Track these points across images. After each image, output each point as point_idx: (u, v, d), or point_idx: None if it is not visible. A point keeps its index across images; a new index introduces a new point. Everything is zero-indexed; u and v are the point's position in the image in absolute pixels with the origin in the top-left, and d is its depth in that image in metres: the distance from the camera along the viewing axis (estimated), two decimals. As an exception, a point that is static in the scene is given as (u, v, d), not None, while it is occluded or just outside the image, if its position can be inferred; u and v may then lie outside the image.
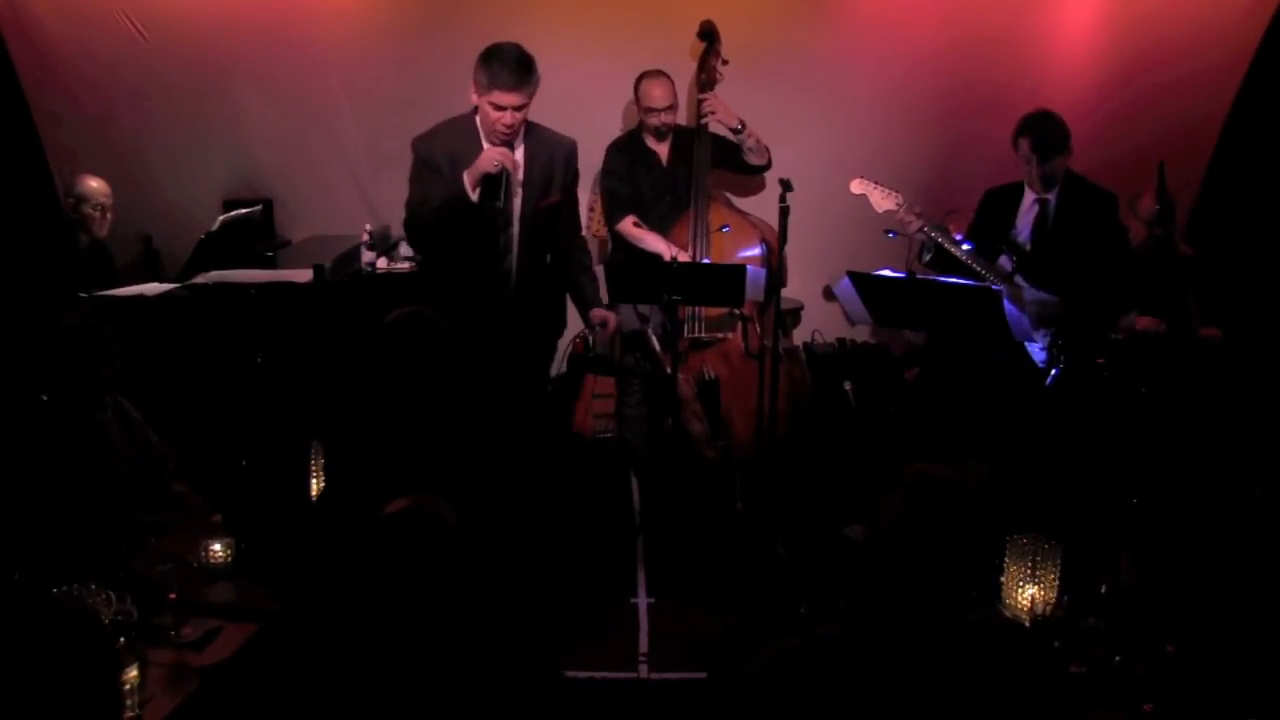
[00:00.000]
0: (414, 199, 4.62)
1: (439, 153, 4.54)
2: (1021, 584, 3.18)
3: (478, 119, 4.55)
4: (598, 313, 4.92)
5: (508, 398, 4.51)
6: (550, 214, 4.69)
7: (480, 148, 4.49)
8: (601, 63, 6.05)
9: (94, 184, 5.65)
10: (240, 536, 3.52)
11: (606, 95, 6.06)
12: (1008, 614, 3.19)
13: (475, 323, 4.36)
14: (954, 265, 4.85)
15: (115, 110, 6.26)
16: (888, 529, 2.34)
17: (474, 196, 4.43)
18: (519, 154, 4.57)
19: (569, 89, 6.02)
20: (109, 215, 5.68)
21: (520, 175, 4.56)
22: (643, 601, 4.65)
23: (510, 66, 4.38)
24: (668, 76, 5.49)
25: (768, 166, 5.59)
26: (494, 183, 4.43)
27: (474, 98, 4.49)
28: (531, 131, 4.61)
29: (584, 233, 6.05)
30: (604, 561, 4.90)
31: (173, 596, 3.15)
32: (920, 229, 4.85)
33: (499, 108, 4.41)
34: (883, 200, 4.97)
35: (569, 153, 4.73)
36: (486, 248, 4.58)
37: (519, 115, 4.45)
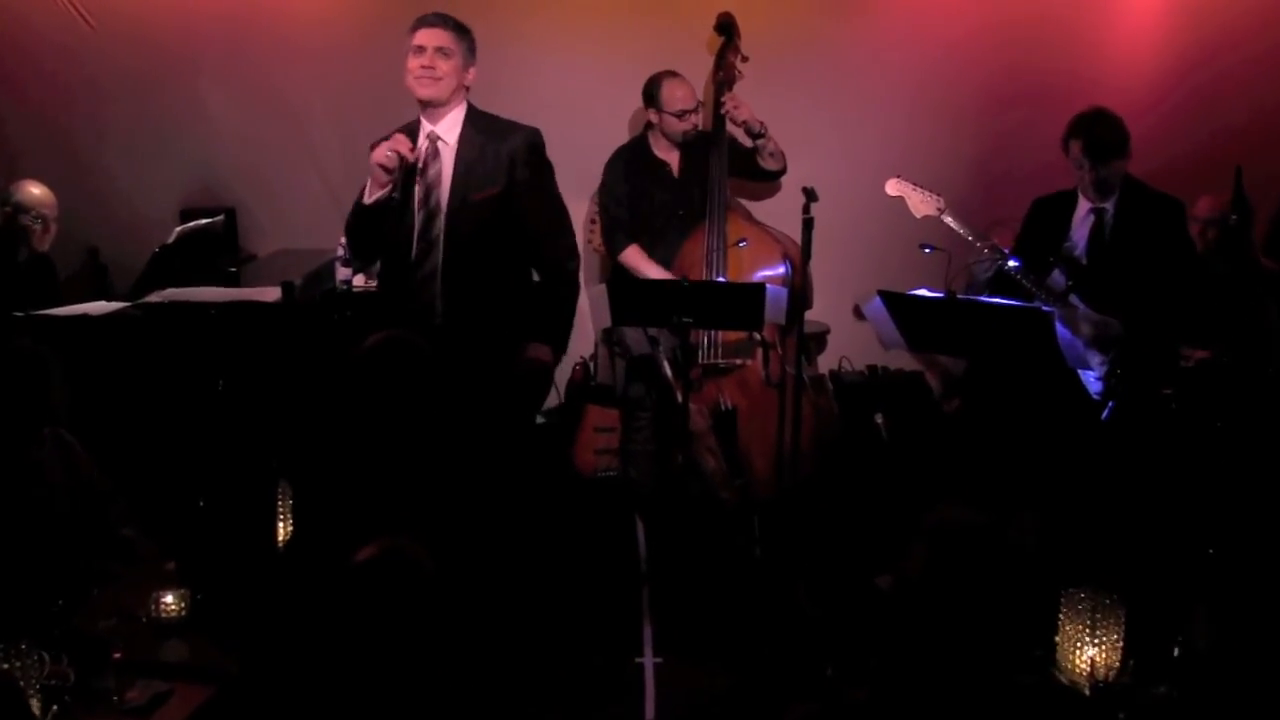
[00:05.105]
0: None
1: None
2: (1079, 645, 3.14)
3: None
4: (529, 350, 4.62)
5: (493, 431, 4.46)
6: (489, 208, 4.52)
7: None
8: (607, 62, 6.07)
9: (36, 192, 5.62)
10: (196, 587, 3.48)
11: (613, 97, 6.06)
12: (1064, 679, 3.16)
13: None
14: (1007, 284, 4.82)
15: (58, 107, 6.27)
16: (914, 582, 2.32)
17: (367, 199, 4.42)
18: (452, 138, 4.53)
19: (571, 90, 6.04)
20: (52, 228, 5.67)
21: (440, 165, 4.52)
22: (649, 661, 4.59)
23: (433, 13, 4.52)
24: (683, 76, 5.54)
25: (783, 171, 5.62)
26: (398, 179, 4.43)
27: (405, 76, 4.52)
28: (476, 118, 4.57)
29: (586, 246, 6.07)
30: (606, 615, 4.86)
31: (117, 656, 3.11)
32: (993, 265, 4.83)
33: (419, 50, 4.47)
34: (922, 204, 4.94)
35: (523, 143, 4.58)
36: (399, 252, 4.55)
37: (442, 62, 4.47)
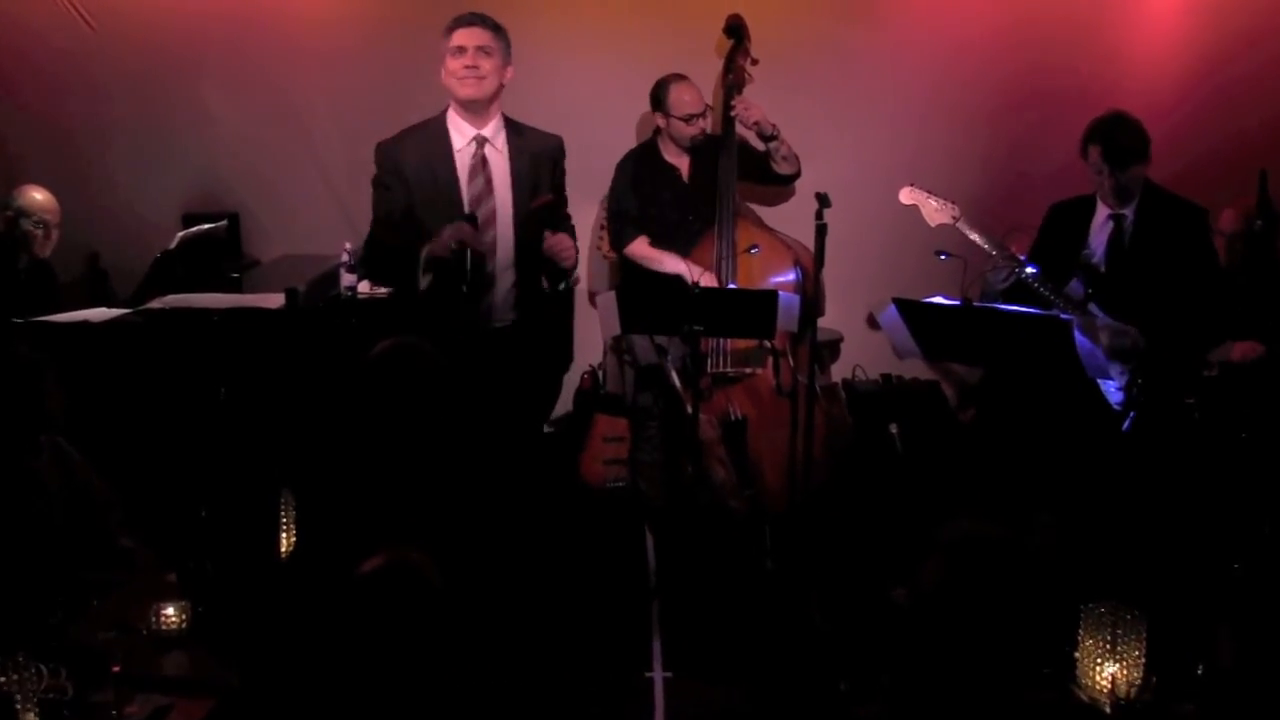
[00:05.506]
0: (376, 216, 4.73)
1: (406, 159, 4.64)
2: (1099, 661, 3.11)
3: (448, 114, 4.67)
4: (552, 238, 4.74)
5: (504, 439, 4.46)
6: (542, 214, 4.72)
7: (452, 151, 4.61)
8: (615, 65, 6.07)
9: (39, 197, 5.63)
10: (197, 599, 3.47)
11: (621, 101, 6.05)
12: (1083, 696, 3.12)
13: (468, 350, 4.33)
14: (1024, 293, 4.80)
15: (58, 110, 6.26)
16: (929, 597, 2.32)
17: (421, 283, 4.49)
18: (499, 142, 4.66)
19: (579, 94, 6.03)
20: (54, 234, 5.68)
21: (489, 171, 4.64)
22: (658, 675, 4.58)
23: (469, 13, 4.60)
24: (690, 80, 5.53)
25: (797, 175, 5.60)
26: (449, 265, 4.44)
27: (444, 77, 4.61)
28: (515, 128, 4.73)
29: (595, 253, 6.06)
30: (614, 629, 4.85)
31: (116, 669, 3.10)
32: (1010, 274, 4.80)
33: (460, 50, 4.55)
34: (936, 213, 4.93)
35: (556, 151, 4.83)
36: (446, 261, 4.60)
37: (484, 60, 4.56)
